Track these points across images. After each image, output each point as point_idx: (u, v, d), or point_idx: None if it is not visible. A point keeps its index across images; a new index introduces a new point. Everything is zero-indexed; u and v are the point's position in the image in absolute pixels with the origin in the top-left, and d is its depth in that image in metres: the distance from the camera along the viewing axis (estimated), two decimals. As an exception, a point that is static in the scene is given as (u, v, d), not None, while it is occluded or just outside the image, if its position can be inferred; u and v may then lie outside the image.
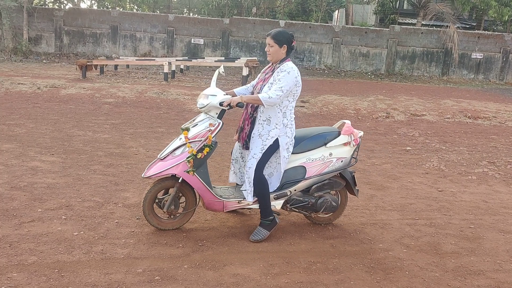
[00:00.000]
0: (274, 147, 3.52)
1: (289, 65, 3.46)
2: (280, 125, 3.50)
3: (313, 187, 3.72)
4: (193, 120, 3.59)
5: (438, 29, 20.12)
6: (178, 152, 3.46)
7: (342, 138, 3.76)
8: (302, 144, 3.68)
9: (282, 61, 3.52)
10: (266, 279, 2.98)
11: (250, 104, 3.53)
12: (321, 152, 3.71)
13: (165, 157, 3.47)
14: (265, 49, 3.60)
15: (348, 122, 3.87)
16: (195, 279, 2.92)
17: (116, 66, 15.64)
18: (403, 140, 7.89)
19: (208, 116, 3.51)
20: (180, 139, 3.51)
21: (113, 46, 20.60)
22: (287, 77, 3.38)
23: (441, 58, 20.26)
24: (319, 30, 20.49)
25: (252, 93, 3.68)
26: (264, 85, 3.50)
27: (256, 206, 3.62)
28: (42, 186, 4.40)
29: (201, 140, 3.42)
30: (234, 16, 21.39)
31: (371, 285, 2.98)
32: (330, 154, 3.72)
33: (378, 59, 20.29)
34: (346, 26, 21.65)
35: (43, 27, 20.25)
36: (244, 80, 13.11)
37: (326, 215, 3.93)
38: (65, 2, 20.91)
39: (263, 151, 3.48)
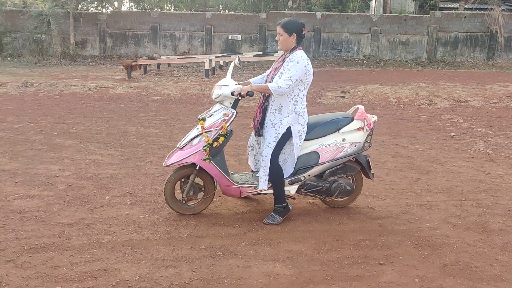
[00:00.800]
0: (287, 135, 3.61)
1: (299, 54, 3.50)
2: (292, 113, 3.57)
3: (327, 172, 3.80)
4: (209, 111, 3.74)
5: (482, 12, 19.45)
6: (195, 141, 3.63)
7: (356, 124, 3.81)
8: (315, 130, 3.75)
9: (292, 50, 3.57)
10: (318, 254, 3.20)
11: (263, 93, 3.64)
12: (334, 137, 3.77)
13: (183, 147, 3.66)
14: (276, 38, 3.68)
15: (361, 107, 3.90)
16: (253, 254, 3.18)
17: (158, 65, 16.23)
18: (446, 126, 7.84)
19: (222, 106, 3.65)
20: (197, 129, 3.65)
21: (153, 46, 21.30)
22: (296, 66, 3.44)
23: (485, 42, 19.60)
24: (357, 20, 20.30)
25: (265, 82, 3.75)
26: (275, 74, 3.57)
27: (271, 191, 3.73)
28: (106, 176, 4.81)
29: (216, 129, 3.57)
30: (270, 11, 21.53)
31: (420, 260, 3.13)
32: (343, 140, 3.78)
33: (418, 47, 19.88)
34: (384, 14, 21.32)
35: (88, 31, 21.23)
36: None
37: (342, 199, 4.02)
38: (107, 6, 21.76)
39: (277, 139, 3.59)
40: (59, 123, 7.59)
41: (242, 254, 3.18)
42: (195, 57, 14.70)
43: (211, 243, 3.33)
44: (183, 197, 3.77)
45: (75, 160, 5.40)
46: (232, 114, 3.62)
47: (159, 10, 24.35)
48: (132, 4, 29.99)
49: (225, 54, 17.22)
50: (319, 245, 3.34)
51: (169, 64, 17.10)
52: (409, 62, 19.42)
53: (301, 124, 3.63)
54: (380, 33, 19.92)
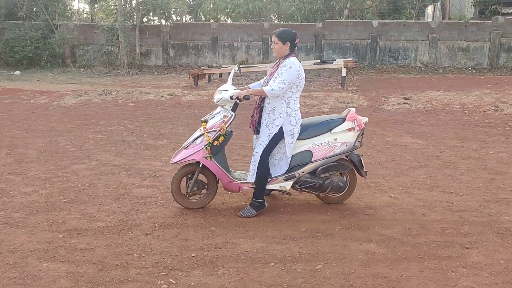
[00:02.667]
0: (279, 135, 3.93)
1: (291, 60, 3.86)
2: (284, 114, 3.89)
3: (319, 169, 4.08)
4: (212, 113, 4.13)
5: (548, 17, 18.83)
6: (198, 141, 4.00)
7: (347, 124, 4.10)
8: (308, 130, 4.06)
9: (286, 57, 3.92)
10: (407, 238, 3.61)
11: (259, 96, 3.95)
12: (326, 137, 4.07)
13: (188, 146, 4.05)
14: (271, 46, 4.07)
15: (353, 109, 4.19)
16: (348, 236, 3.64)
17: (220, 74, 17.08)
18: (515, 132, 7.91)
19: (223, 109, 4.02)
20: (200, 130, 4.02)
21: (213, 56, 22.29)
22: (289, 71, 3.79)
23: (551, 47, 18.92)
24: (414, 27, 20.25)
25: (262, 86, 4.00)
26: (270, 79, 3.91)
27: (271, 186, 4.08)
28: (202, 171, 5.44)
29: (217, 130, 3.94)
30: (326, 20, 21.94)
31: (503, 246, 3.46)
32: (335, 139, 4.06)
33: (479, 53, 19.52)
34: (443, 21, 21.10)
35: (152, 42, 22.56)
36: (343, 81, 13.64)
37: (336, 195, 4.30)
38: (169, 18, 23.06)
39: (269, 138, 3.92)
40: (145, 127, 8.42)
41: (339, 236, 3.65)
42: (256, 66, 15.36)
43: (309, 226, 3.82)
44: (187, 192, 4.14)
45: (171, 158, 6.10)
46: (231, 116, 4.00)
47: (218, 22, 25.45)
48: (189, 16, 31.33)
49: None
50: (406, 231, 3.74)
51: (220, 75, 17.89)
52: (470, 68, 19.11)
53: (293, 125, 3.93)
54: (439, 40, 19.75)
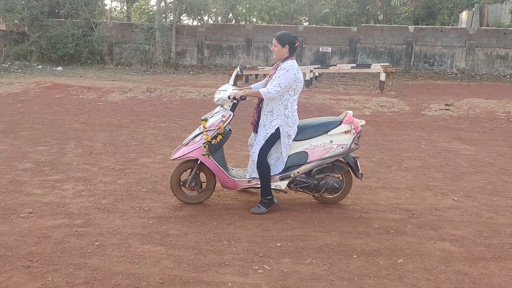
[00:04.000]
0: (276, 135, 4.03)
1: (289, 63, 3.91)
2: (281, 115, 3.99)
3: (314, 170, 4.19)
4: (212, 112, 4.26)
5: None
6: (197, 139, 4.13)
7: (343, 127, 4.17)
8: (305, 132, 4.14)
9: (285, 59, 3.99)
10: (479, 239, 3.75)
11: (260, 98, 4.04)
12: (322, 139, 4.15)
13: (187, 143, 4.18)
14: (271, 49, 4.14)
15: (350, 112, 4.28)
16: (421, 234, 3.81)
17: (256, 75, 17.35)
18: None
19: (222, 108, 4.14)
20: (199, 128, 4.16)
21: (247, 57, 22.60)
22: (285, 74, 3.86)
23: None
24: (452, 33, 20.11)
25: (264, 87, 4.10)
26: (269, 81, 4.01)
27: None
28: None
29: (215, 129, 4.07)
30: (362, 24, 21.97)
31: None
32: (331, 141, 4.15)
33: (518, 61, 19.25)
34: (482, 28, 20.88)
35: (187, 42, 23.02)
36: (382, 85, 13.71)
37: (331, 196, 4.37)
38: (205, 19, 23.48)
39: (266, 138, 4.03)
40: (196, 124, 8.71)
41: (412, 234, 3.82)
42: (294, 68, 15.56)
43: (381, 224, 4.01)
44: (186, 187, 4.27)
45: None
46: (229, 116, 4.11)
47: (253, 23, 25.77)
48: (219, 17, 31.73)
49: (324, 65, 17.86)
50: (476, 232, 3.89)
51: (264, 75, 18.16)
52: (508, 76, 18.86)
53: (290, 126, 4.04)
54: (477, 47, 19.57)
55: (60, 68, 19.90)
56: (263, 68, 17.89)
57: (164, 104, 11.44)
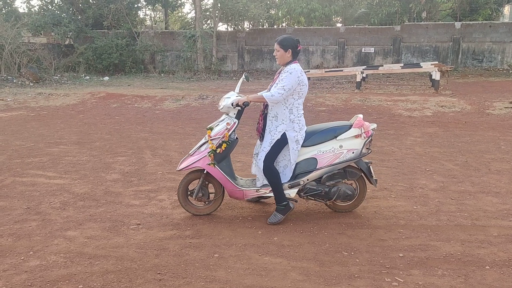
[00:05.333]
0: (282, 141, 3.91)
1: (293, 66, 3.84)
2: (286, 120, 3.89)
3: (324, 176, 4.01)
4: (217, 121, 4.14)
5: None
6: (203, 148, 4.03)
7: (353, 131, 4.02)
8: (313, 137, 4.01)
9: (288, 63, 3.90)
10: None
11: (263, 103, 3.94)
12: (332, 144, 4.00)
13: (193, 153, 4.08)
14: (273, 54, 4.02)
15: (360, 116, 4.12)
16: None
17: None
18: None
19: (227, 116, 4.04)
20: (205, 137, 4.06)
21: (288, 60, 22.49)
22: (289, 77, 3.77)
23: None
24: (501, 28, 19.40)
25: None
26: (273, 85, 3.94)
27: (272, 194, 4.05)
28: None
29: (220, 137, 3.97)
30: (405, 23, 21.51)
31: None
32: (341, 146, 4.00)
33: None
34: (533, 21, 20.04)
35: (228, 48, 23.16)
36: (437, 85, 13.32)
37: (345, 204, 4.20)
38: (241, 25, 23.56)
39: (271, 144, 3.91)
40: (259, 130, 8.69)
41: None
42: (342, 70, 15.38)
43: (500, 232, 3.82)
44: (193, 198, 4.17)
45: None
46: (234, 124, 4.00)
47: (294, 26, 25.68)
48: (253, 22, 31.75)
49: (372, 66, 17.56)
50: None
51: (308, 78, 18.02)
52: None
53: (296, 131, 3.92)
54: (530, 41, 18.78)
55: (106, 77, 20.41)
56: (307, 71, 17.76)
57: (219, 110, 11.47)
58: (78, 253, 3.48)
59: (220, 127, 4.03)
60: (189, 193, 4.22)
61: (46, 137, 8.13)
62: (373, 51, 21.17)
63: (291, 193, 4.05)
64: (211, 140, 3.98)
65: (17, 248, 3.57)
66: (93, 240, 3.71)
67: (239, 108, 3.96)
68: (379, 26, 21.98)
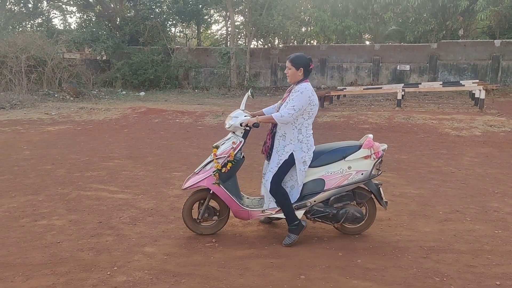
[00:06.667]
0: (290, 162, 3.80)
1: (303, 86, 3.75)
2: (294, 140, 3.77)
3: (332, 198, 3.89)
4: (224, 139, 4.05)
5: None
6: (208, 167, 3.95)
7: (362, 152, 3.89)
8: (321, 158, 3.88)
9: (299, 82, 3.81)
10: None
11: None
12: (340, 165, 3.88)
13: (198, 172, 4.00)
14: (285, 71, 3.92)
15: (370, 136, 3.97)
16: None
17: (338, 96, 17.14)
18: None
19: (233, 135, 3.95)
20: (211, 156, 3.98)
21: (321, 77, 22.51)
22: (299, 97, 3.68)
23: None
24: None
25: (277, 111, 3.91)
26: (282, 104, 3.83)
27: (279, 215, 3.94)
28: (413, 195, 5.42)
29: (225, 156, 3.88)
30: (442, 40, 21.26)
31: None
32: (349, 167, 3.87)
33: None
34: None
35: (261, 64, 23.37)
36: (481, 103, 13.02)
37: (353, 226, 4.07)
38: (271, 42, 23.76)
39: (279, 165, 3.81)
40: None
41: None
42: (381, 88, 15.23)
43: None
44: (198, 218, 4.08)
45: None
46: (240, 143, 3.92)
47: (328, 43, 25.73)
48: (283, 39, 31.97)
49: (403, 84, 17.38)
50: None
51: (344, 96, 17.91)
52: None
53: (304, 151, 3.80)
54: None
55: (143, 93, 20.80)
56: (344, 88, 17.66)
57: (262, 126, 11.47)
58: (161, 270, 3.47)
59: (225, 146, 3.97)
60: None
61: (98, 151, 8.26)
62: (408, 69, 20.96)
63: (298, 214, 3.96)
64: (216, 159, 3.93)
65: (100, 262, 3.58)
66: (172, 258, 3.69)
67: (248, 128, 3.92)
68: (415, 44, 21.79)
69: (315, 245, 3.95)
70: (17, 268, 3.46)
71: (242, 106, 4.18)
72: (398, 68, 21.10)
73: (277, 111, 3.91)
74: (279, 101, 4.06)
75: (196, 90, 22.37)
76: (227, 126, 4.00)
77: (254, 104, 15.86)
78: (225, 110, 13.91)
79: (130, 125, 11.84)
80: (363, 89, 15.40)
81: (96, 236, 4.14)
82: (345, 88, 16.42)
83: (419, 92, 18.23)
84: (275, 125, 3.93)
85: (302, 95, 3.72)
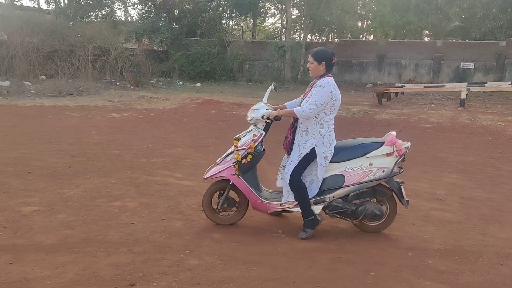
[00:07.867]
0: (311, 156, 3.77)
1: (326, 81, 3.70)
2: (317, 135, 3.73)
3: (351, 194, 3.85)
4: (245, 131, 4.04)
5: None
6: (228, 158, 3.97)
7: (385, 149, 3.82)
8: (342, 153, 3.83)
9: (321, 76, 3.77)
10: None
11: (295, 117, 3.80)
12: (361, 161, 3.82)
13: (219, 162, 4.02)
14: (307, 66, 3.88)
15: (393, 133, 3.89)
16: None
17: (396, 93, 16.64)
18: None
19: (255, 127, 3.96)
20: (232, 147, 3.97)
21: (377, 73, 21.95)
22: (321, 91, 3.64)
23: None
24: None
25: (299, 105, 3.84)
26: (304, 99, 3.76)
27: (296, 209, 3.92)
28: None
29: (246, 148, 3.88)
30: (511, 38, 20.06)
31: None
32: (370, 164, 3.80)
33: None
34: None
35: (315, 59, 23.08)
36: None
37: (373, 224, 4.00)
38: (337, 36, 23.41)
39: (300, 158, 3.77)
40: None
41: None
42: (443, 86, 14.62)
43: None
44: (217, 208, 4.10)
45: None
46: (260, 135, 3.93)
47: (388, 39, 25.05)
48: (338, 34, 31.40)
49: (467, 83, 16.57)
50: None
51: (402, 93, 17.34)
52: None
53: (326, 146, 3.76)
54: None
55: (199, 84, 21.25)
56: (403, 85, 17.11)
57: (282, 121, 11.40)
58: (231, 256, 3.56)
59: (246, 138, 4.02)
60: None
61: (161, 138, 8.57)
62: (472, 67, 19.98)
63: (316, 209, 3.95)
64: (237, 150, 3.97)
65: (172, 245, 3.73)
66: (241, 245, 3.77)
67: (269, 121, 3.94)
68: (481, 41, 20.69)
69: (382, 243, 3.91)
70: (99, 245, 3.68)
71: (265, 99, 4.20)
72: (461, 66, 20.15)
73: (299, 105, 3.90)
74: (301, 95, 4.05)
75: (250, 83, 22.54)
76: (249, 118, 4.05)
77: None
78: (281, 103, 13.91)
79: (189, 115, 12.16)
80: (424, 87, 14.84)
81: (166, 219, 4.32)
82: (404, 85, 15.88)
83: (483, 92, 17.33)
84: (296, 119, 3.93)
85: (324, 90, 3.70)
